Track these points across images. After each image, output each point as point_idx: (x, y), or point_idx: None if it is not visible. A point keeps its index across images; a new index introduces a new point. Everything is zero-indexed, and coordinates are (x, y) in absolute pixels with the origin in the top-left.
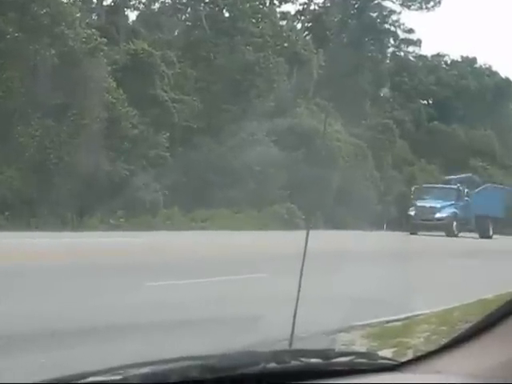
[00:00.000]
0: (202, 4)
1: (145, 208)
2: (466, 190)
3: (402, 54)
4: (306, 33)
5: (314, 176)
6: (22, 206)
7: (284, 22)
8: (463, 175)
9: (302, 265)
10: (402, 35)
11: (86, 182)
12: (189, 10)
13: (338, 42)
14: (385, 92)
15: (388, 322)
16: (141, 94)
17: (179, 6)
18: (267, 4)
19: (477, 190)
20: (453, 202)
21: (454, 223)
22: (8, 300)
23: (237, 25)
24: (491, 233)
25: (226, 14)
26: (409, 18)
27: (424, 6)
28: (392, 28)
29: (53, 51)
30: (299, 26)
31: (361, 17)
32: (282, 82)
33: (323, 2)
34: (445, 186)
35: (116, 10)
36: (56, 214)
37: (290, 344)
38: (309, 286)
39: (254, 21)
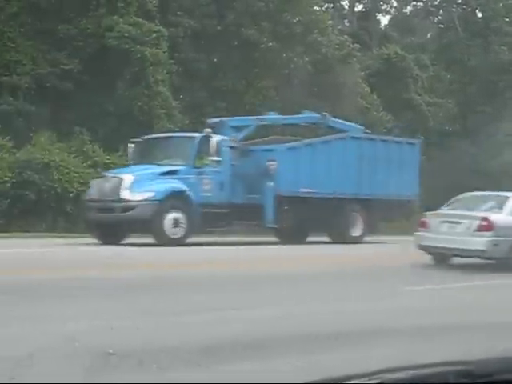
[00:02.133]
0: (455, 5)
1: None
2: (221, 138)
3: None
4: None
5: None
6: None
7: None
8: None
9: None
10: None
11: None
12: (441, 11)
13: None
14: None
15: None
16: (395, 98)
17: (431, 9)
18: None
19: (290, 145)
20: (181, 168)
21: (173, 215)
22: (263, 304)
23: (490, 25)
24: (359, 232)
25: (479, 15)
26: None
27: None
28: None
29: (306, 59)
30: None
31: None
32: None
33: None
34: (175, 135)
35: (367, 16)
36: None
37: None
38: None
39: (507, 20)
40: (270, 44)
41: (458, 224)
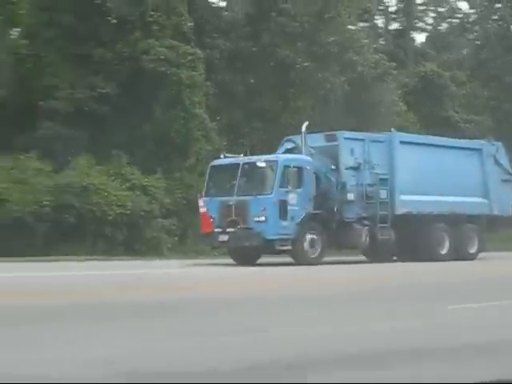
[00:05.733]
0: (490, 21)
1: None
2: None
3: None
4: None
5: None
6: None
7: None
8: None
9: None
10: None
11: None
12: (477, 28)
13: None
14: None
15: None
16: (431, 116)
17: (467, 25)
18: None
19: None
20: None
21: None
22: (312, 324)
23: None
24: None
25: None
26: None
27: None
28: None
29: (342, 78)
30: None
31: None
32: None
33: None
34: None
35: (403, 34)
36: None
37: None
38: None
39: None
40: (306, 64)
41: None
